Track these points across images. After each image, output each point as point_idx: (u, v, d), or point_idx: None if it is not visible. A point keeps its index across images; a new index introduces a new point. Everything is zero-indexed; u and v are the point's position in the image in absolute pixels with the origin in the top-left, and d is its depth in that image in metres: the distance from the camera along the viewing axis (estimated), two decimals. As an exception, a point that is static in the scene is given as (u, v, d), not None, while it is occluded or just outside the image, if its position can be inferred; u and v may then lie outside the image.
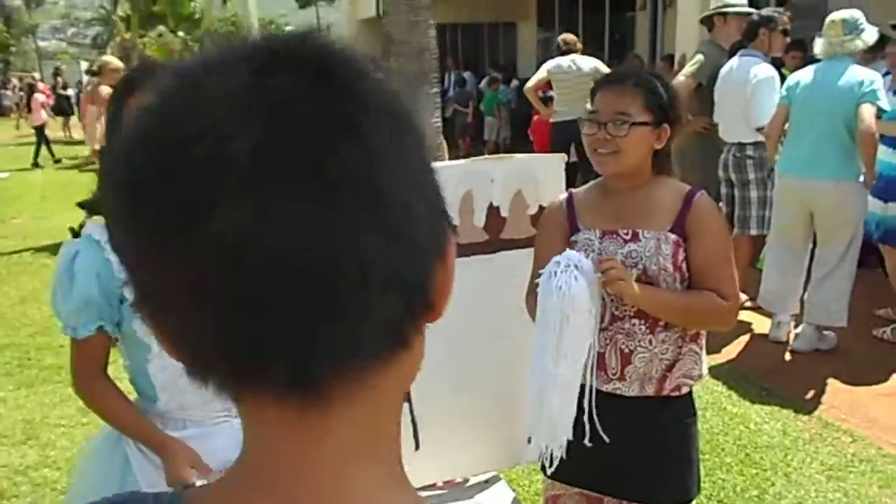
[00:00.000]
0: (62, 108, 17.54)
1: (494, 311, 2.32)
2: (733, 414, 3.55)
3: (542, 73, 6.97)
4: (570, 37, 7.14)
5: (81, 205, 1.59)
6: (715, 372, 3.91)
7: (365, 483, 0.45)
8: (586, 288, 1.65)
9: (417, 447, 2.32)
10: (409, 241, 0.44)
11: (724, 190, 4.75)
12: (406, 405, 2.28)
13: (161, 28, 22.16)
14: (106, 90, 6.62)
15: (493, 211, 2.32)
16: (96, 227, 1.51)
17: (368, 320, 0.43)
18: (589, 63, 6.89)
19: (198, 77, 0.43)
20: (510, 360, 2.33)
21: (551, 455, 1.78)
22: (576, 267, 1.66)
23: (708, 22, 4.93)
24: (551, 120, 6.95)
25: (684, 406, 1.87)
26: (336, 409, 0.44)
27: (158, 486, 1.49)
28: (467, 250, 2.32)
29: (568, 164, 7.38)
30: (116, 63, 7.83)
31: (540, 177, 2.34)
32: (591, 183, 1.95)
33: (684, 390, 1.83)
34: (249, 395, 0.44)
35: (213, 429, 1.61)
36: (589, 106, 1.84)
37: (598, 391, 1.78)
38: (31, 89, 14.34)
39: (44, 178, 12.46)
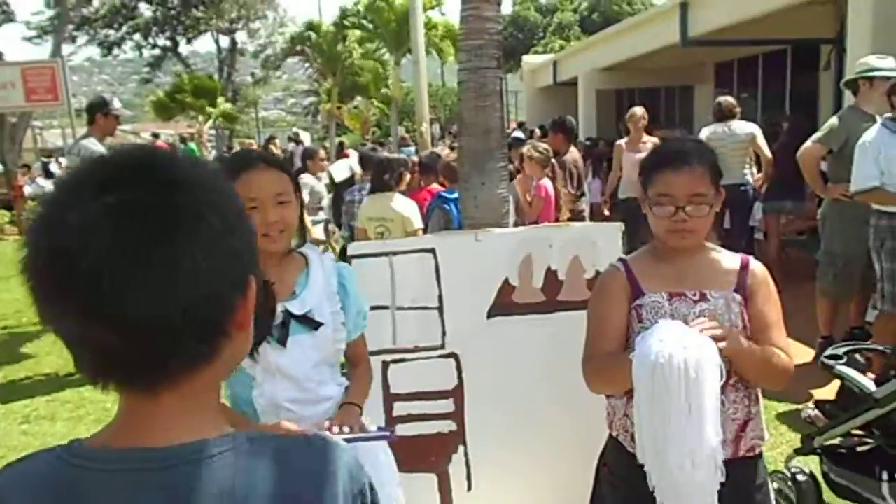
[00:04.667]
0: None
1: (550, 366, 2.49)
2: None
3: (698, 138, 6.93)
4: (727, 101, 6.95)
5: None
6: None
7: (186, 424, 0.78)
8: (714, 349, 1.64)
9: (469, 488, 2.52)
10: (212, 295, 0.75)
11: (876, 264, 4.39)
12: (461, 448, 2.51)
13: (359, 99, 24.40)
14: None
15: (551, 274, 2.51)
16: None
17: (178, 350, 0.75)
18: (745, 128, 6.74)
19: (56, 208, 0.73)
20: (561, 413, 2.47)
21: None
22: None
23: (853, 86, 4.72)
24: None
25: (760, 467, 1.90)
26: (164, 393, 0.77)
27: None
28: (526, 309, 2.53)
29: (725, 230, 7.12)
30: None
31: (598, 243, 2.50)
32: (642, 250, 2.01)
33: (757, 450, 1.88)
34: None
35: None
36: (651, 186, 1.86)
37: None
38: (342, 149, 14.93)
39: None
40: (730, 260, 1.91)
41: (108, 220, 0.71)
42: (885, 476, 2.73)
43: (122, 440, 0.77)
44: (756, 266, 1.89)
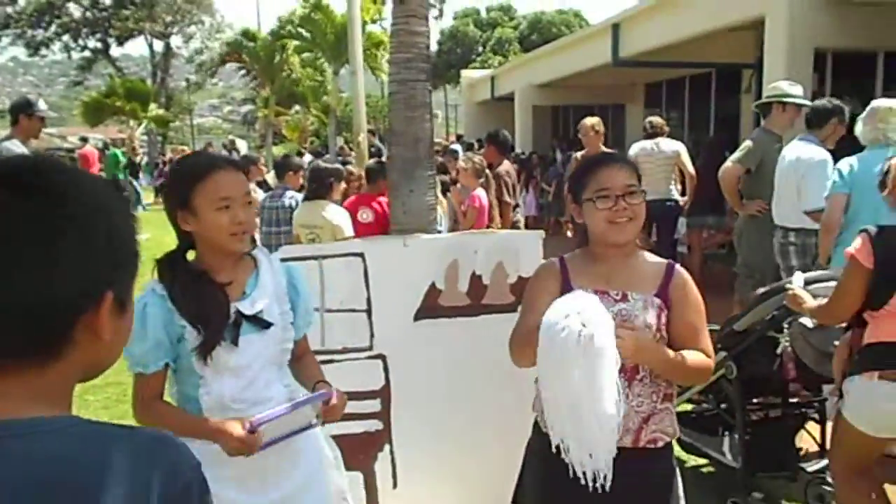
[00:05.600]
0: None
1: (474, 367, 2.59)
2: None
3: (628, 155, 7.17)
4: (657, 120, 7.24)
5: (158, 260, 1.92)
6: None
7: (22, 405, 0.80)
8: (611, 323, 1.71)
9: (395, 486, 2.59)
10: (52, 300, 0.79)
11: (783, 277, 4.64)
12: (387, 446, 2.58)
13: (297, 107, 24.27)
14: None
15: (475, 279, 2.61)
16: (158, 283, 1.88)
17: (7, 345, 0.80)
18: (671, 146, 7.02)
19: None
20: (486, 411, 2.57)
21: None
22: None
23: (764, 108, 5.03)
24: (632, 200, 7.06)
25: (664, 459, 2.03)
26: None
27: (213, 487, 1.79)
28: (452, 312, 2.62)
29: (654, 243, 7.33)
30: None
31: (521, 250, 2.62)
32: (578, 251, 2.13)
33: (660, 443, 1.98)
34: None
35: None
36: (586, 189, 1.97)
37: None
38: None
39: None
40: (656, 265, 2.04)
41: None
42: (725, 434, 3.34)
43: None
44: (680, 273, 2.02)
